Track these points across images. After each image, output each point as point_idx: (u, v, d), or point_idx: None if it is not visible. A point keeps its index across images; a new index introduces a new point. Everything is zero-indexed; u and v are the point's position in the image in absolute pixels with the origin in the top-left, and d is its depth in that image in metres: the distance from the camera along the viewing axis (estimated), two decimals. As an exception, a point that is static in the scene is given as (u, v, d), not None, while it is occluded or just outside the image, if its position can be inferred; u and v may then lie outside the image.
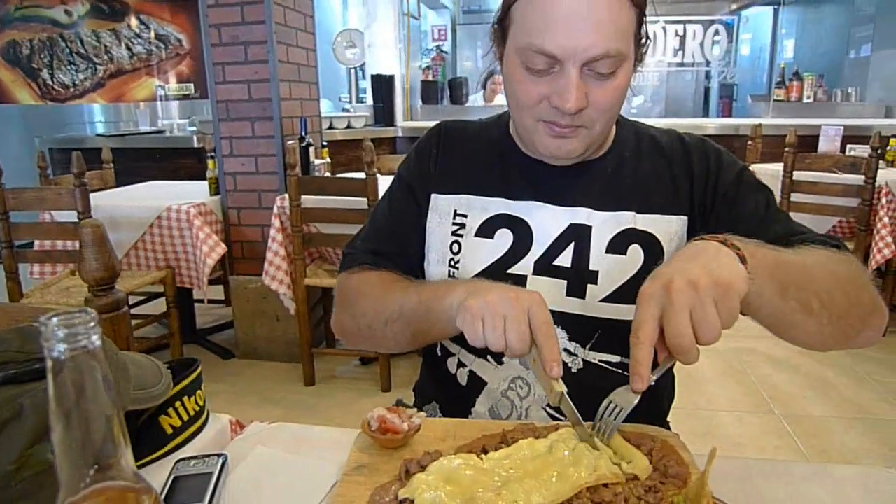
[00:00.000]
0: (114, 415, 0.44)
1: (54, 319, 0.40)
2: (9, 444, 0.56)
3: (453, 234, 0.99)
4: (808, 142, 3.94)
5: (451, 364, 1.01)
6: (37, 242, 2.99)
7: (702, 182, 0.94)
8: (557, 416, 0.94)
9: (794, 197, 3.33)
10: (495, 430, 0.74)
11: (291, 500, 0.70)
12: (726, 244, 0.70)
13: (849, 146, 3.79)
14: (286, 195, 2.75)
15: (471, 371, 0.98)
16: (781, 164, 3.41)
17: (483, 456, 0.66)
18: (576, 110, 0.82)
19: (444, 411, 1.05)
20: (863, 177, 3.11)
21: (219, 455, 0.77)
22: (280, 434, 0.86)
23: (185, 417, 0.83)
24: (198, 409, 0.85)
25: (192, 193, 3.16)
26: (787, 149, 3.37)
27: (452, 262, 0.98)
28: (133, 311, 3.59)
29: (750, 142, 3.97)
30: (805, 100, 5.50)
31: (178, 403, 0.83)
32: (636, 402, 0.67)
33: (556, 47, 0.80)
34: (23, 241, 2.76)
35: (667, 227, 0.94)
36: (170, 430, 0.81)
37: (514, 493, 0.57)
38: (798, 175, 3.35)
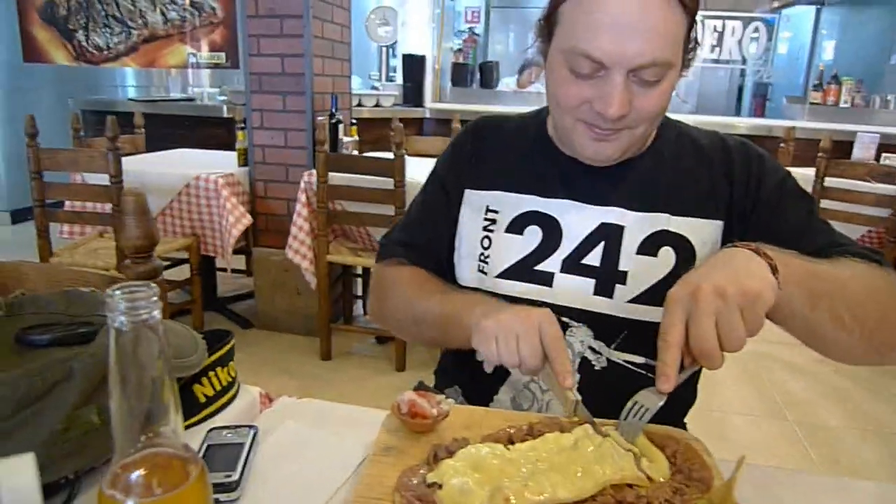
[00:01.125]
0: (167, 384, 0.46)
1: (118, 292, 0.42)
2: (58, 404, 0.59)
3: (484, 229, 1.00)
4: (843, 148, 3.86)
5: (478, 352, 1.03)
6: (67, 203, 3.04)
7: (742, 187, 0.93)
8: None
9: (825, 204, 3.27)
10: (521, 421, 0.75)
11: (319, 476, 0.72)
12: (759, 253, 0.70)
13: (884, 155, 3.71)
14: (314, 171, 2.76)
15: None
16: (813, 170, 3.35)
17: (510, 446, 0.67)
18: (618, 117, 0.82)
19: (466, 396, 1.07)
20: (897, 187, 3.04)
21: (250, 427, 0.79)
22: (307, 409, 0.88)
23: (218, 387, 0.86)
24: (230, 380, 0.88)
25: (220, 163, 3.20)
26: (820, 154, 3.30)
27: (482, 257, 0.99)
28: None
29: (782, 144, 3.90)
30: (842, 104, 5.37)
31: (211, 373, 0.85)
32: (661, 403, 0.68)
33: (602, 54, 0.80)
34: (53, 200, 2.81)
35: (701, 231, 0.93)
36: (203, 399, 0.84)
37: (540, 485, 0.59)
38: (830, 182, 3.28)
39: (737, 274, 0.66)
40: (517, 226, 0.97)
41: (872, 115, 5.23)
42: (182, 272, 3.26)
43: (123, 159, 3.15)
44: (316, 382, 2.85)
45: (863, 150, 3.84)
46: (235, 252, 3.46)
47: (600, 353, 0.93)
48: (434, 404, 0.73)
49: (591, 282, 0.93)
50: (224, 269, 3.66)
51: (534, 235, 0.96)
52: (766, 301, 0.66)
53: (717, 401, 2.80)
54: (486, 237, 0.99)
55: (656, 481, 0.64)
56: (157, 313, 0.43)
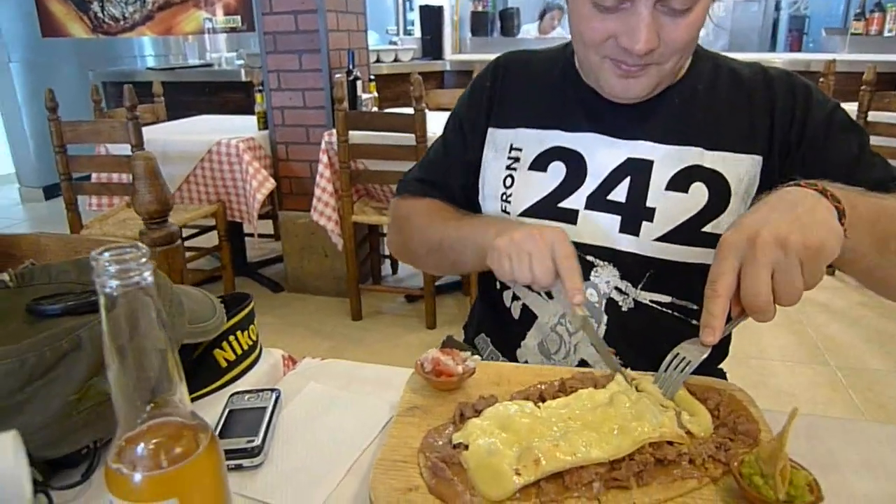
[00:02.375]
0: (168, 351, 0.43)
1: (105, 255, 0.39)
2: (70, 374, 0.57)
3: (507, 168, 0.97)
4: (888, 80, 3.65)
5: (507, 297, 1.01)
6: (94, 175, 3.06)
7: (786, 120, 0.86)
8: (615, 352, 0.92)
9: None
10: (552, 376, 0.71)
11: (345, 437, 0.70)
12: (826, 194, 0.64)
13: (932, 84, 3.50)
14: (334, 130, 2.72)
15: (524, 305, 0.98)
16: (856, 104, 3.17)
17: (541, 404, 0.64)
18: (646, 51, 0.77)
19: (494, 344, 1.05)
20: (947, 118, 2.87)
21: (272, 390, 0.77)
22: (331, 370, 0.86)
23: (239, 351, 0.84)
24: (251, 343, 0.86)
25: (240, 128, 3.17)
26: (863, 87, 3.13)
27: (505, 197, 0.96)
28: (186, 243, 3.69)
29: (822, 79, 3.69)
30: (886, 33, 5.07)
31: (231, 337, 0.83)
32: (705, 356, 0.64)
33: None
34: (80, 173, 2.83)
35: (737, 166, 0.87)
36: (224, 364, 0.82)
37: (572, 445, 0.55)
38: (874, 116, 3.12)
39: (800, 221, 0.60)
40: (541, 162, 0.94)
41: (919, 43, 4.92)
42: (210, 239, 3.28)
43: (145, 129, 3.16)
44: (347, 342, 2.86)
45: (909, 81, 3.63)
46: (262, 217, 3.47)
47: (627, 294, 0.90)
48: (459, 361, 0.70)
49: (617, 219, 0.89)
50: (252, 235, 3.69)
51: (558, 172, 0.92)
52: (830, 254, 0.60)
53: (756, 348, 2.74)
54: (509, 176, 0.96)
55: (698, 437, 0.61)
56: (148, 275, 0.40)
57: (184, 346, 0.77)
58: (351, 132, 2.66)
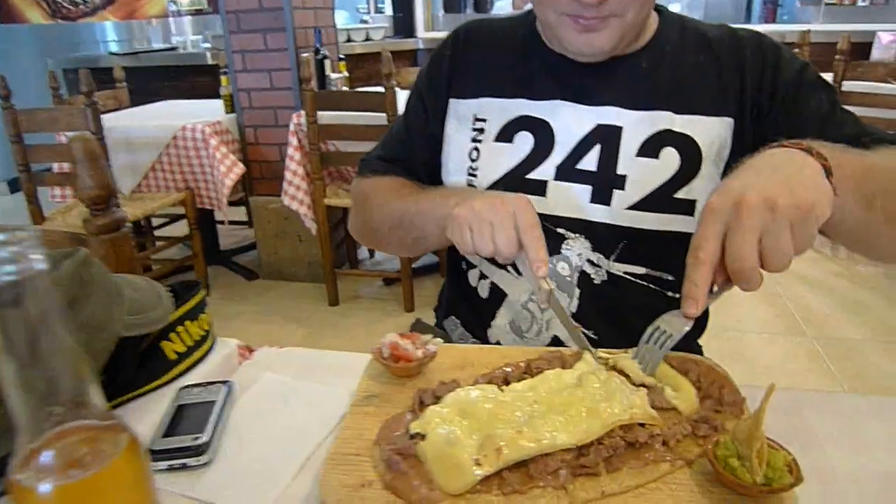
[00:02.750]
0: (74, 348, 0.38)
1: (-14, 239, 0.34)
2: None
3: (472, 140, 0.93)
4: (862, 50, 3.65)
5: (473, 277, 0.97)
6: (56, 165, 2.96)
7: (756, 80, 0.83)
8: (583, 328, 0.89)
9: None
10: (519, 357, 0.67)
11: (300, 431, 0.66)
12: (811, 153, 0.60)
13: (905, 54, 3.51)
14: (302, 112, 2.64)
15: (492, 283, 0.94)
16: (831, 74, 3.16)
17: (504, 387, 0.60)
18: (598, 1, 0.73)
19: (465, 326, 1.02)
20: (919, 86, 2.87)
21: (224, 382, 0.72)
22: (290, 359, 0.81)
23: (189, 343, 0.79)
24: (203, 333, 0.81)
25: (207, 112, 3.07)
26: (837, 57, 3.12)
27: (471, 171, 0.92)
28: (156, 232, 3.60)
29: (797, 50, 3.68)
30: (861, 3, 5.07)
31: (180, 328, 0.78)
32: (687, 328, 0.60)
33: None
34: (40, 164, 2.72)
35: (708, 129, 0.84)
36: (173, 356, 0.77)
37: (537, 431, 0.51)
38: (849, 85, 3.11)
39: (789, 181, 0.57)
40: (506, 133, 0.90)
41: (893, 13, 4.93)
42: (181, 228, 3.19)
43: (108, 116, 3.06)
44: (324, 328, 2.81)
45: (882, 51, 3.64)
46: (234, 203, 3.39)
47: (599, 266, 0.87)
48: (420, 345, 0.66)
49: (588, 188, 0.86)
50: (223, 222, 3.60)
51: (524, 142, 0.89)
52: (821, 214, 0.56)
53: (732, 320, 2.74)
54: (475, 148, 0.92)
55: (684, 414, 0.57)
56: (37, 261, 0.34)
57: (129, 338, 0.72)
58: (320, 113, 2.59)
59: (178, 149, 2.87)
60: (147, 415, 0.69)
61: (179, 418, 0.66)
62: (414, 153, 1.00)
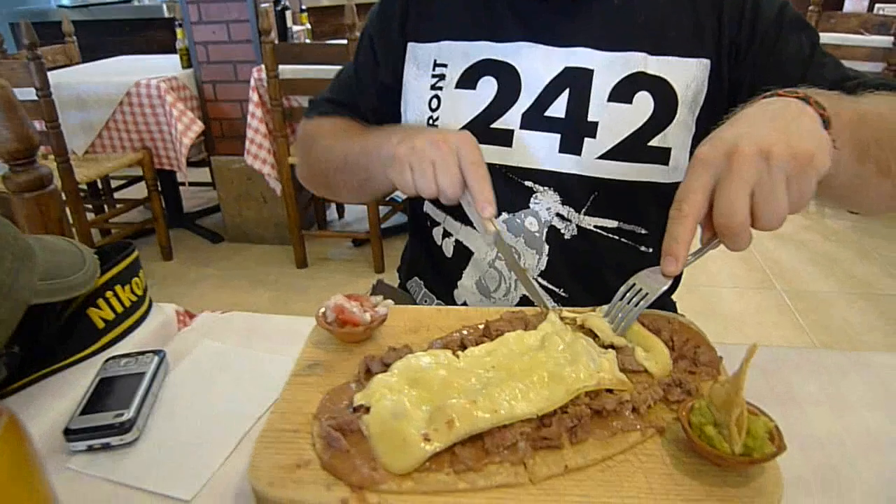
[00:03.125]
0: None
1: None
2: None
3: (432, 87, 0.86)
4: (837, 1, 3.60)
5: (437, 234, 0.92)
6: (1, 124, 2.78)
7: (735, 19, 0.77)
8: (553, 287, 0.84)
9: (816, 60, 3.06)
10: (478, 319, 0.62)
11: (239, 403, 0.60)
12: (809, 102, 0.55)
13: (878, 5, 3.46)
14: (262, 66, 2.51)
15: (457, 241, 0.89)
16: (804, 25, 3.11)
17: (460, 352, 0.54)
18: None
19: (428, 287, 0.96)
20: (892, 38, 2.84)
21: (155, 352, 0.66)
22: (232, 324, 0.75)
23: (120, 309, 0.72)
24: (135, 299, 0.74)
25: (163, 68, 2.92)
26: (811, 8, 3.07)
27: (431, 121, 0.86)
28: (116, 195, 3.46)
29: (770, 0, 3.62)
30: (834, -48, 4.99)
31: (109, 294, 0.71)
32: (665, 288, 0.55)
33: None
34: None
35: (684, 71, 0.78)
36: (101, 324, 0.70)
37: (493, 401, 0.46)
38: (822, 38, 3.06)
39: (787, 131, 0.52)
40: (469, 79, 0.84)
41: (866, -37, 4.86)
42: (141, 190, 3.06)
43: (57, 72, 2.90)
44: (292, 292, 2.74)
45: (854, 2, 3.59)
46: (198, 164, 3.26)
47: (569, 220, 0.82)
48: (368, 308, 0.60)
49: (556, 137, 0.80)
50: (193, 184, 3.47)
51: (488, 88, 0.82)
52: (820, 167, 0.52)
53: (704, 276, 2.74)
54: (435, 96, 0.85)
55: (656, 377, 0.52)
56: None
57: (47, 306, 0.64)
58: (281, 67, 2.48)
59: (132, 106, 2.73)
60: (71, 389, 0.63)
61: (102, 393, 0.60)
62: (362, 99, 0.94)
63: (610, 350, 0.54)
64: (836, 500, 0.47)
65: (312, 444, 0.47)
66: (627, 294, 0.58)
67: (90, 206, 3.28)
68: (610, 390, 0.50)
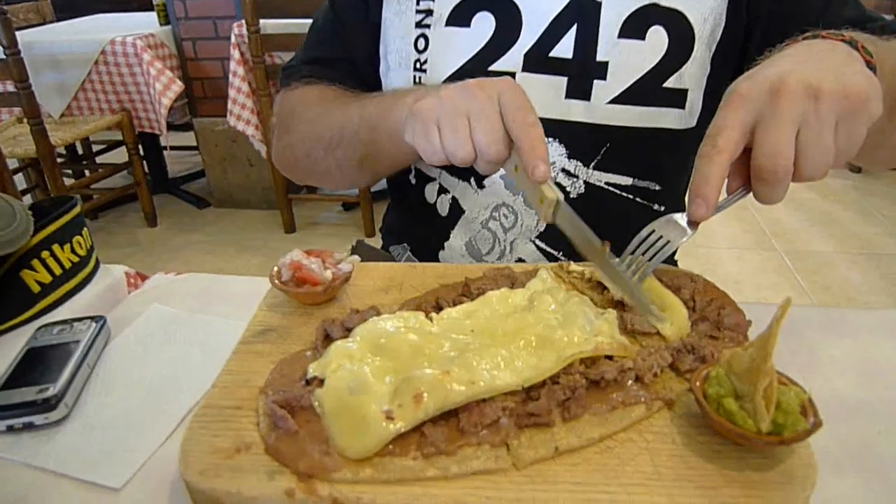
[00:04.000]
0: None
1: None
2: None
3: (418, 25, 0.76)
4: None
5: (430, 192, 0.82)
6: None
7: None
8: (552, 251, 0.75)
9: None
10: (457, 277, 0.54)
11: (186, 375, 0.52)
12: (856, 46, 0.49)
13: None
14: (244, 21, 2.39)
15: (454, 198, 0.80)
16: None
17: (434, 315, 0.46)
18: None
19: (415, 252, 0.88)
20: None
21: (94, 318, 0.58)
22: (188, 286, 0.67)
23: (58, 271, 0.64)
24: (77, 259, 0.66)
25: (139, 25, 2.80)
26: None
27: (418, 65, 0.76)
28: (98, 159, 3.35)
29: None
30: None
31: (45, 254, 0.63)
32: (690, 236, 0.47)
33: None
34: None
35: (700, 2, 0.69)
36: (37, 288, 0.62)
37: (471, 371, 0.38)
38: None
39: (837, 71, 0.46)
40: (461, 14, 0.74)
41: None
42: (125, 154, 2.96)
43: (28, 31, 2.77)
44: (280, 257, 2.66)
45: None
46: (183, 128, 3.14)
47: (576, 176, 0.74)
48: (330, 265, 0.52)
49: (563, 80, 0.72)
50: (175, 148, 3.36)
51: (484, 25, 0.73)
52: (874, 111, 0.46)
53: (701, 236, 2.66)
54: (422, 36, 0.75)
55: (670, 340, 0.45)
56: None
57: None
58: (263, 21, 2.36)
59: (108, 66, 2.61)
60: (-1, 360, 0.55)
61: (29, 365, 0.52)
62: (351, 48, 0.81)
63: (609, 310, 0.47)
64: (874, 480, 0.40)
65: (257, 424, 0.39)
66: (643, 244, 0.50)
67: (70, 172, 3.18)
68: (610, 357, 0.42)
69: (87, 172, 3.22)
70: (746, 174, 0.47)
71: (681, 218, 0.49)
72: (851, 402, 0.47)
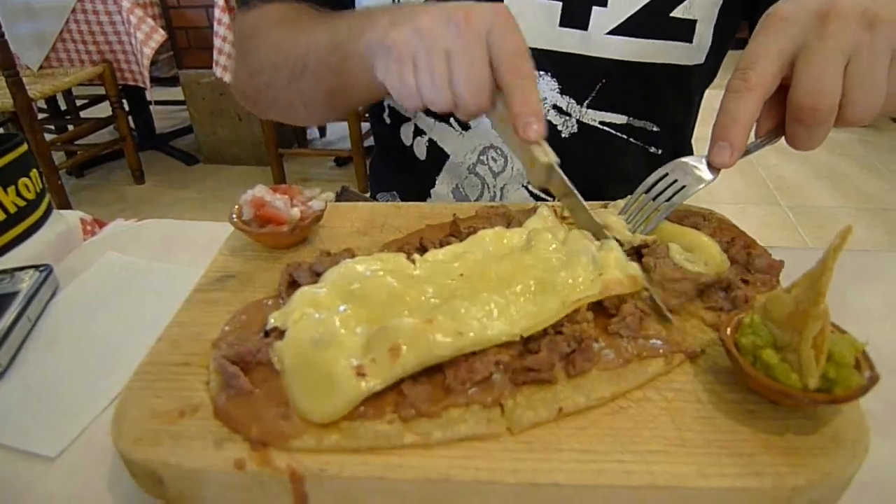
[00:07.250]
0: None
1: None
2: None
3: None
4: None
5: (406, 133, 0.75)
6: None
7: None
8: (546, 196, 0.69)
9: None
10: (445, 216, 0.47)
11: (138, 330, 0.46)
12: None
13: None
14: (227, -37, 2.27)
15: (430, 140, 0.73)
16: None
17: (418, 257, 0.40)
18: None
19: (404, 200, 0.81)
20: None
21: (38, 267, 0.52)
22: (147, 234, 0.60)
23: (2, 216, 0.57)
24: (23, 204, 0.59)
25: (118, -31, 2.65)
26: None
27: None
28: (82, 114, 3.24)
29: None
30: None
31: (-14, 197, 0.56)
32: (709, 182, 0.41)
33: None
34: None
35: None
36: (-24, 234, 0.56)
37: (458, 319, 0.32)
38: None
39: None
40: None
41: None
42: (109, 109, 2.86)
43: (-1, -24, 2.62)
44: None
45: None
46: (170, 82, 3.03)
47: (569, 115, 0.67)
48: (299, 202, 0.45)
49: (557, 6, 0.64)
50: (160, 102, 3.24)
51: None
52: None
53: (705, 191, 2.60)
54: None
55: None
56: None
57: None
58: (246, -37, 2.22)
59: (86, 14, 2.50)
60: (-68, 315, 0.49)
61: (-42, 319, 0.46)
62: None
63: (610, 239, 0.40)
64: (927, 443, 0.35)
65: (206, 384, 0.33)
66: (655, 187, 0.43)
67: (52, 127, 3.08)
68: (623, 298, 0.36)
69: (70, 128, 3.12)
70: (779, 115, 0.40)
71: (697, 162, 0.42)
72: (889, 355, 0.41)
